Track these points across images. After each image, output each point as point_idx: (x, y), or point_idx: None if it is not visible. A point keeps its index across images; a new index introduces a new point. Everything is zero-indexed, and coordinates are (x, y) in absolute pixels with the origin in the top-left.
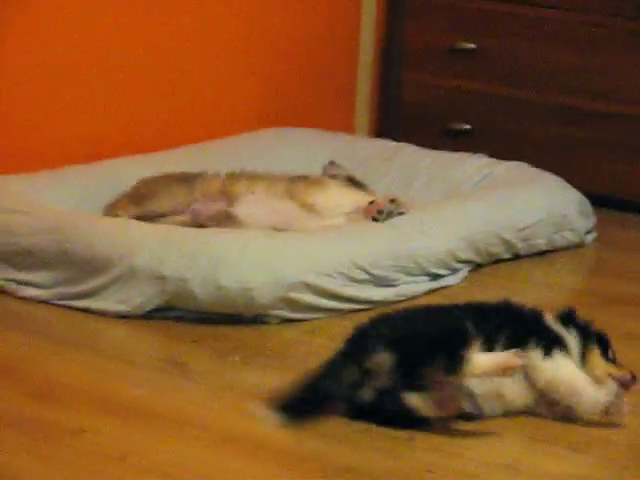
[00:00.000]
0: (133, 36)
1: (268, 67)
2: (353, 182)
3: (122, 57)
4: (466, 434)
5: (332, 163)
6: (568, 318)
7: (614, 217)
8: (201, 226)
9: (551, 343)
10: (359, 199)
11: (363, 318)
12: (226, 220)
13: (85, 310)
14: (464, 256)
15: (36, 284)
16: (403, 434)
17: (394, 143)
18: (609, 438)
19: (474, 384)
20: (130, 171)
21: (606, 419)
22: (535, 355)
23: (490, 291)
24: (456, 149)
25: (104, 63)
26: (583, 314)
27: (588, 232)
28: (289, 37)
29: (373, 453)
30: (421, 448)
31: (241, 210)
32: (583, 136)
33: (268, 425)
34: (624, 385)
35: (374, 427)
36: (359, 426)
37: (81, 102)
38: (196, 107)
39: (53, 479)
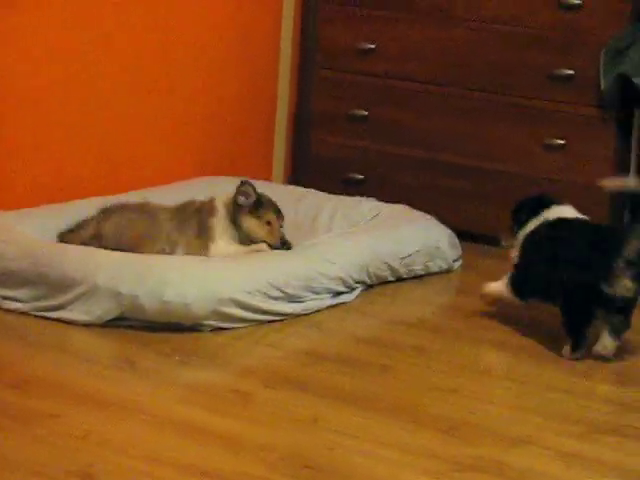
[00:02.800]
0: (76, 87)
1: (203, 126)
2: (260, 202)
3: (65, 106)
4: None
5: (244, 183)
6: None
7: (476, 248)
8: None
9: None
10: (243, 251)
11: (277, 327)
12: None
13: (56, 320)
14: (358, 278)
15: (17, 299)
16: (308, 418)
17: (304, 189)
18: None
19: None
20: (90, 210)
21: None
22: None
23: (378, 306)
24: (352, 194)
25: (50, 113)
26: (449, 326)
27: (455, 260)
28: (220, 100)
29: (284, 432)
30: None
31: None
32: (451, 185)
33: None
34: None
35: (284, 412)
36: (273, 410)
37: (42, 151)
38: (138, 156)
39: (33, 453)
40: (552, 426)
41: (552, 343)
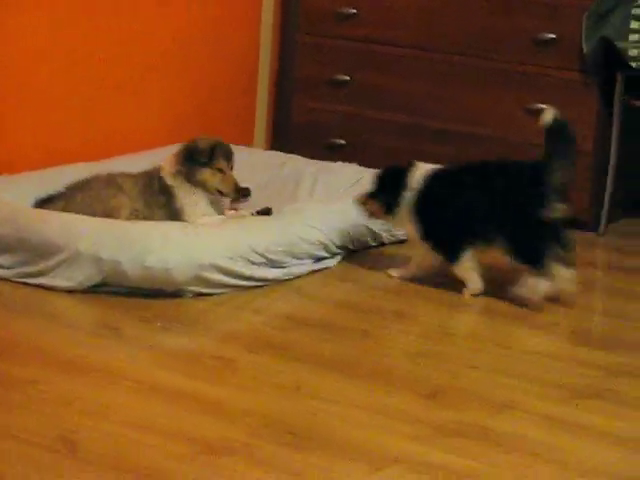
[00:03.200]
0: (58, 56)
1: (184, 92)
2: (211, 152)
3: (47, 73)
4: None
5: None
6: None
7: None
8: None
9: None
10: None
11: (259, 293)
12: None
13: (39, 286)
14: (339, 243)
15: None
16: (290, 384)
17: (285, 154)
18: None
19: None
20: (74, 177)
21: None
22: None
23: (360, 271)
24: (334, 160)
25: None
26: (430, 290)
27: None
28: (201, 66)
29: (267, 398)
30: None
31: None
32: (433, 149)
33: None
34: None
35: (266, 378)
36: (256, 376)
37: (33, 116)
38: (118, 122)
39: (10, 421)
40: (535, 390)
41: (535, 308)
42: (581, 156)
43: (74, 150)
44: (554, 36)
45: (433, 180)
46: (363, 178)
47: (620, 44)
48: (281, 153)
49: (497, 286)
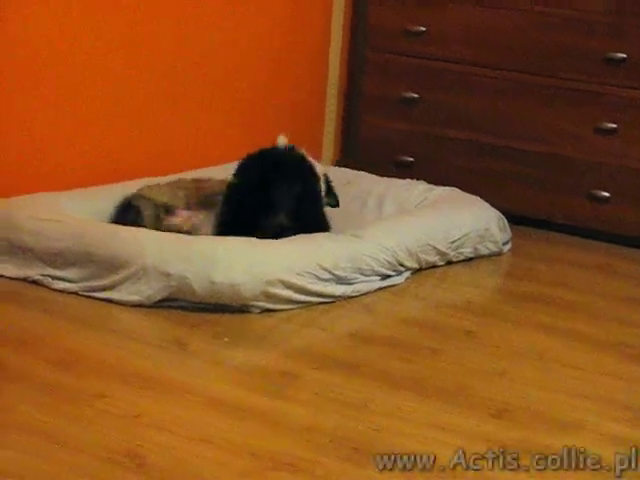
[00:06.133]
0: (126, 72)
1: (254, 107)
2: None
3: (113, 87)
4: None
5: None
6: None
7: (525, 232)
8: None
9: None
10: None
11: (326, 309)
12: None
13: (105, 300)
14: (407, 263)
15: (66, 279)
16: (357, 401)
17: (353, 171)
18: None
19: None
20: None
21: None
22: None
23: (427, 289)
24: (402, 177)
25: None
26: (498, 309)
27: (505, 243)
28: (271, 81)
29: (332, 414)
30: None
31: None
32: (501, 168)
33: (248, 393)
34: None
35: (332, 395)
36: (321, 392)
37: (90, 133)
38: (189, 137)
39: (78, 434)
40: (604, 412)
41: (602, 328)
42: None
43: (139, 165)
44: (624, 55)
45: None
46: (431, 196)
47: None
48: (349, 170)
49: (571, 306)
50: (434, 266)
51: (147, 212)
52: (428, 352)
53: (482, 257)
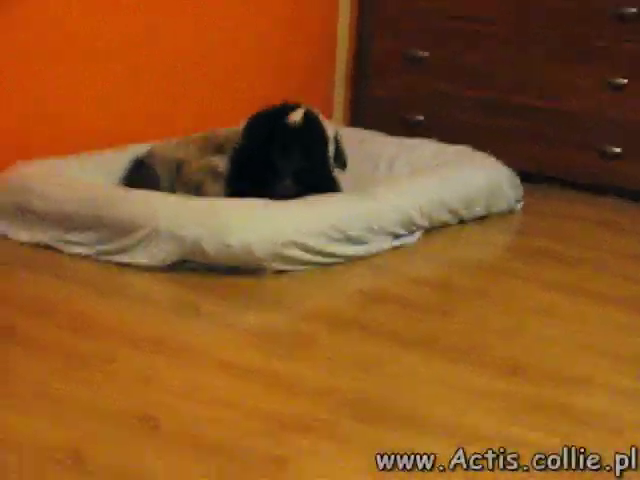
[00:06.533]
0: (142, 40)
1: (264, 68)
2: None
3: (125, 56)
4: None
5: None
6: None
7: (537, 189)
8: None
9: None
10: None
11: (339, 270)
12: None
13: (118, 263)
14: (419, 222)
15: (78, 243)
16: (371, 361)
17: (365, 130)
18: None
19: None
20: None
21: None
22: None
23: (440, 248)
24: (412, 136)
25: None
26: (509, 267)
27: (517, 201)
28: (281, 42)
29: (347, 375)
30: (386, 371)
31: None
32: (512, 125)
33: (261, 356)
34: None
35: (347, 356)
36: (336, 353)
37: (98, 99)
38: (195, 100)
39: (90, 398)
40: (615, 366)
41: (616, 284)
42: None
43: (146, 132)
44: (635, 10)
45: None
46: (443, 155)
47: None
48: (360, 129)
49: (582, 263)
50: (446, 225)
51: (161, 169)
52: (440, 311)
53: (494, 215)
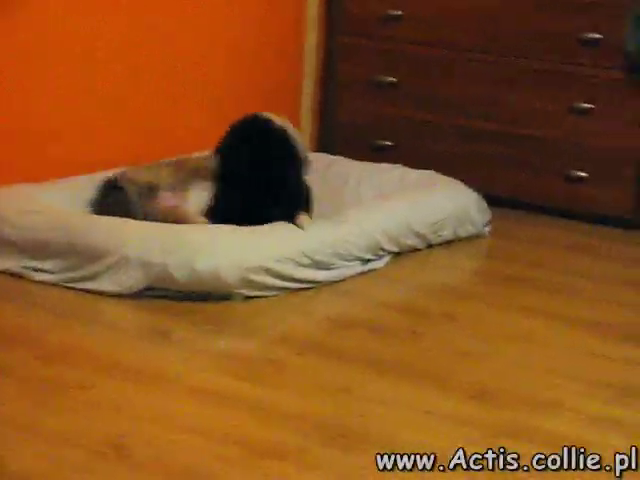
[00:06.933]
0: (106, 59)
1: (231, 94)
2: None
3: (94, 77)
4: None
5: None
6: None
7: (504, 213)
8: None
9: None
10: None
11: (308, 295)
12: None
13: (87, 291)
14: (387, 247)
15: (48, 270)
16: (341, 386)
17: (331, 156)
18: None
19: None
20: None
21: None
22: None
23: (408, 272)
24: (380, 161)
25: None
26: (478, 291)
27: (484, 225)
28: (248, 68)
29: (317, 400)
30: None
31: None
32: (479, 150)
33: (232, 381)
34: None
35: (316, 380)
36: (306, 378)
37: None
38: (168, 124)
39: (62, 426)
40: (584, 390)
41: (581, 308)
42: (627, 154)
43: (114, 157)
44: (600, 36)
45: None
46: (410, 179)
47: None
48: (327, 155)
49: (550, 287)
50: (414, 250)
51: (131, 191)
52: (409, 335)
53: (462, 240)
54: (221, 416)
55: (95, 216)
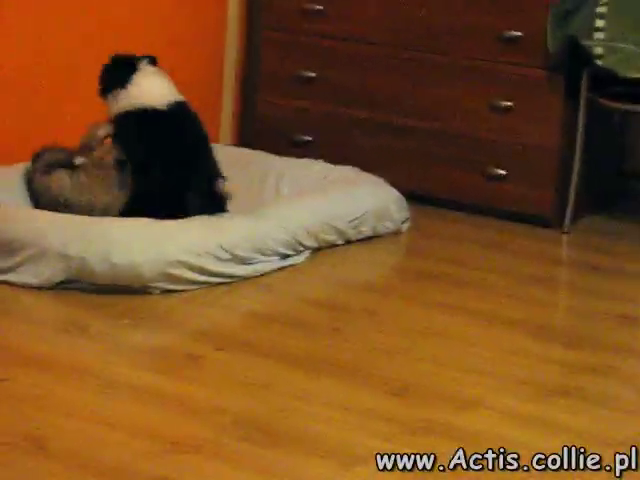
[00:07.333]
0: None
1: None
2: None
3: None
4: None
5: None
6: None
7: (423, 210)
8: None
9: None
10: None
11: (227, 290)
12: None
13: (4, 282)
14: (306, 242)
15: None
16: (260, 381)
17: (251, 151)
18: None
19: None
20: None
21: None
22: None
23: (327, 268)
24: (300, 156)
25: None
26: (398, 288)
27: (403, 222)
28: (167, 62)
29: (235, 395)
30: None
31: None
32: (399, 146)
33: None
34: None
35: (235, 375)
36: (224, 373)
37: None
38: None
39: None
40: (503, 388)
41: (502, 306)
42: (546, 153)
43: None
44: (520, 33)
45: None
46: (330, 175)
47: (585, 42)
48: (247, 149)
49: (469, 284)
50: (334, 245)
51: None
52: (329, 331)
53: (381, 236)
54: (137, 410)
55: (13, 208)
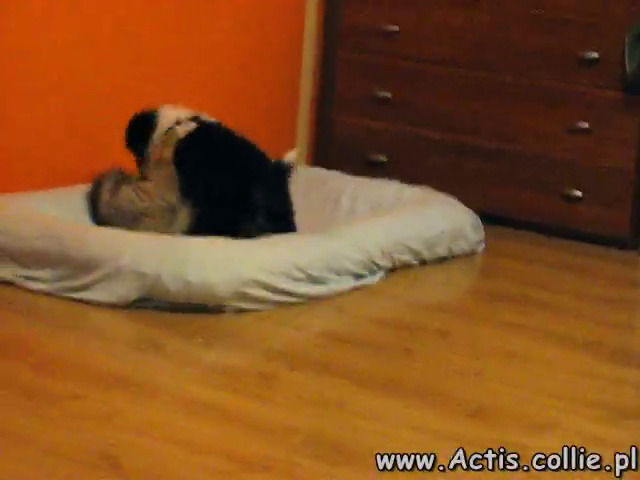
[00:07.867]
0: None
1: (227, 108)
2: None
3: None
4: None
5: None
6: None
7: (499, 231)
8: None
9: None
10: None
11: (301, 309)
12: None
13: (80, 301)
14: (380, 262)
15: (41, 279)
16: (332, 401)
17: (326, 171)
18: None
19: None
20: None
21: None
22: None
23: (401, 289)
24: (375, 177)
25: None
26: (472, 309)
27: (478, 243)
28: (245, 81)
29: (308, 415)
30: (347, 411)
31: None
32: (475, 167)
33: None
34: None
35: (308, 395)
36: (297, 393)
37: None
38: None
39: (51, 435)
40: (577, 410)
41: (577, 327)
42: (623, 174)
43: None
44: (597, 55)
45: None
46: (404, 196)
47: None
48: (322, 170)
49: (543, 306)
50: (408, 266)
51: (108, 183)
52: (402, 352)
53: (456, 257)
54: (211, 429)
55: (89, 226)
